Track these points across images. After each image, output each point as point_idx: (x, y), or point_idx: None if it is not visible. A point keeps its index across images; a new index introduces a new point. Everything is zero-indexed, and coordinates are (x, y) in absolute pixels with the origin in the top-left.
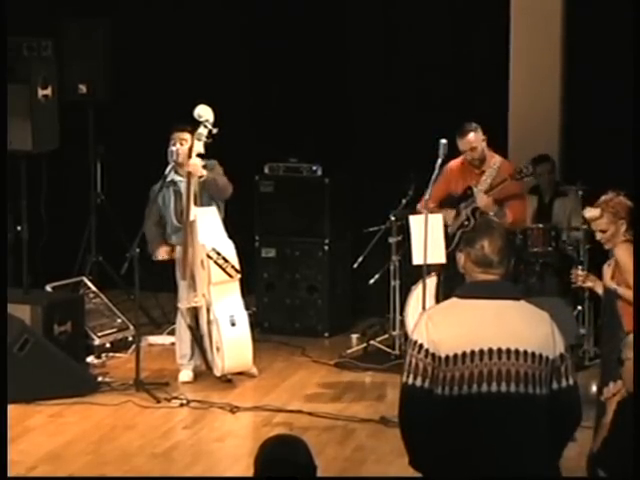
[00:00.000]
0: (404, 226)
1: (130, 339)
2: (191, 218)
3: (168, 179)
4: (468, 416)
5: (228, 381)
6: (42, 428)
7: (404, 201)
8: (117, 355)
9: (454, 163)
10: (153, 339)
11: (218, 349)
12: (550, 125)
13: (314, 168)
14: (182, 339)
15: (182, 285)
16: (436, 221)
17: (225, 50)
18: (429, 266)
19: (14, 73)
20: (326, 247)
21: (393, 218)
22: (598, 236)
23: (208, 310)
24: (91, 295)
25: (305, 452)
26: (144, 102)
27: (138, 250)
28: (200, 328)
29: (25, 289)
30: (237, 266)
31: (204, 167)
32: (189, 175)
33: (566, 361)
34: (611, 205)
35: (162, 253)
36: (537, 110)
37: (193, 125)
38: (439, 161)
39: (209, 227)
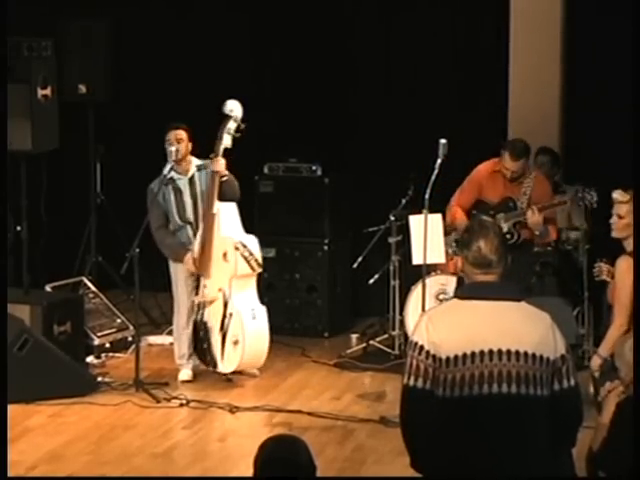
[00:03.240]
0: (404, 226)
1: (130, 339)
2: (214, 211)
3: (166, 177)
4: (468, 417)
5: (228, 380)
6: (42, 428)
7: (404, 201)
8: (117, 355)
9: (484, 168)
10: (153, 339)
11: (236, 342)
12: (550, 125)
13: (314, 168)
14: (180, 339)
15: (185, 280)
16: (436, 221)
17: (225, 50)
18: (429, 266)
19: (14, 73)
20: (326, 247)
21: (393, 218)
22: (613, 219)
23: (225, 304)
24: (91, 295)
25: (305, 452)
26: (144, 102)
27: (138, 250)
28: (205, 324)
29: (25, 289)
30: (260, 260)
31: (203, 167)
32: (216, 175)
33: (567, 362)
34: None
35: (191, 265)
36: (537, 109)
37: (187, 123)
38: (439, 161)
39: (231, 221)
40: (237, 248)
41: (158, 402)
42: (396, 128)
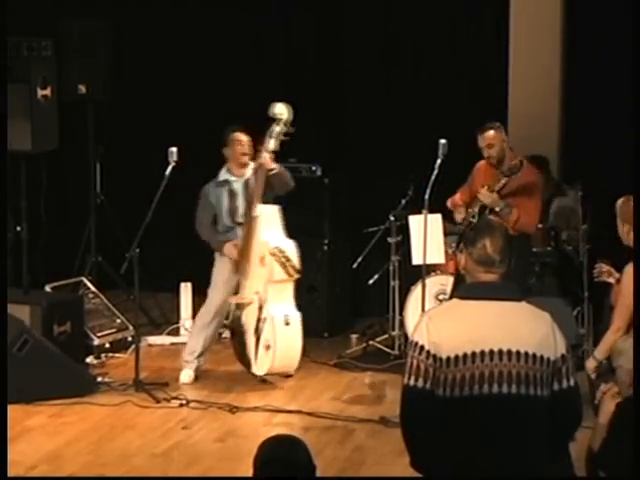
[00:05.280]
0: (404, 226)
1: (129, 339)
2: (256, 214)
3: (221, 179)
4: (468, 417)
5: (263, 381)
6: (42, 428)
7: (404, 201)
8: (116, 355)
9: (481, 163)
10: (152, 339)
11: (268, 347)
12: (549, 125)
13: (313, 168)
14: (197, 335)
15: (225, 282)
16: (435, 221)
17: (225, 50)
18: (428, 266)
19: (14, 73)
20: (326, 247)
21: (392, 218)
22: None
23: (260, 307)
24: (90, 295)
25: (304, 452)
26: (144, 102)
27: (138, 250)
28: (242, 325)
29: (25, 289)
30: (297, 266)
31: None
32: (259, 168)
33: (567, 362)
34: (621, 207)
35: (233, 251)
36: (536, 110)
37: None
38: (439, 161)
39: (271, 225)
40: (273, 254)
41: (158, 402)
42: (396, 128)
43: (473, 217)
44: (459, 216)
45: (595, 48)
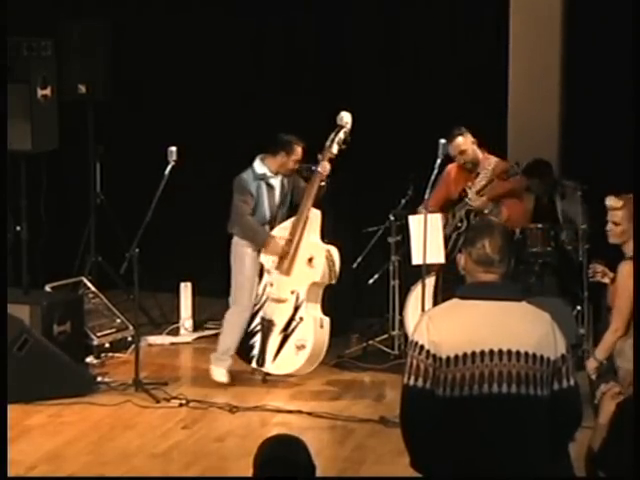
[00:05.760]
0: (403, 226)
1: (129, 339)
2: (310, 214)
3: (260, 172)
4: (468, 417)
5: (264, 381)
6: (42, 428)
7: (404, 201)
8: (116, 355)
9: (452, 167)
10: (152, 339)
11: (302, 347)
12: (549, 125)
13: (313, 168)
14: (230, 332)
15: (253, 277)
16: (435, 221)
17: (225, 50)
18: (428, 266)
19: (14, 73)
20: None
21: (392, 218)
22: (609, 227)
23: (297, 307)
24: (90, 295)
25: (304, 452)
26: (144, 102)
27: (137, 250)
28: (268, 321)
29: (24, 289)
30: (338, 272)
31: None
32: (319, 176)
33: (567, 362)
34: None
35: (279, 248)
36: (536, 111)
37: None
38: (438, 161)
39: (317, 228)
40: (327, 257)
41: (158, 402)
42: (396, 128)
43: (461, 221)
44: (442, 219)
45: (595, 48)
